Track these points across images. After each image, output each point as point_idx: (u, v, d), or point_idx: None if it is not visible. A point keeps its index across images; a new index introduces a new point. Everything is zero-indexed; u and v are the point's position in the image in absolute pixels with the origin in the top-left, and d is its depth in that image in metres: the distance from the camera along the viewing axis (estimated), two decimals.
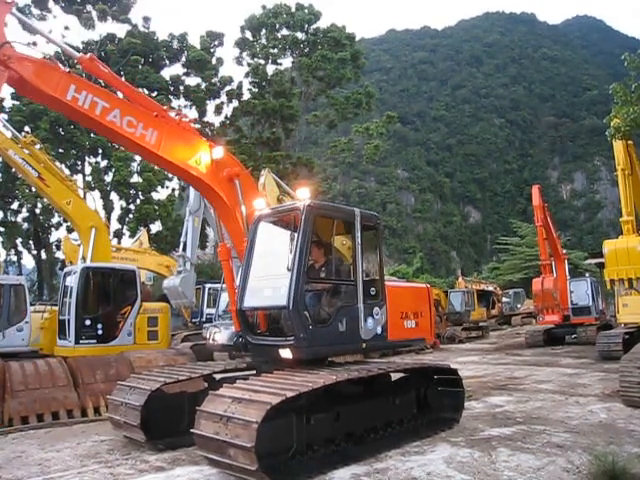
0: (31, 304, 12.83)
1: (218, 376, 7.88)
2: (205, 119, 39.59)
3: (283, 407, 5.72)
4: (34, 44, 35.67)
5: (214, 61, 39.33)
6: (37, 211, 34.40)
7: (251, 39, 42.47)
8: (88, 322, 11.84)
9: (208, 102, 39.09)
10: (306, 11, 41.71)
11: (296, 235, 6.95)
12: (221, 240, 8.80)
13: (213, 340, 8.57)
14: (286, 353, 6.93)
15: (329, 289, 7.49)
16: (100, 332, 11.94)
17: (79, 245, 15.57)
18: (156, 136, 7.75)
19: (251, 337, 7.42)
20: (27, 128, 29.45)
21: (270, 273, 7.47)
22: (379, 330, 7.59)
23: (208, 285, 22.68)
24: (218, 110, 40.14)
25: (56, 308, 12.77)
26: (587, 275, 29.47)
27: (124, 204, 36.18)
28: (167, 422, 7.67)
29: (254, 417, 5.39)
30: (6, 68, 6.79)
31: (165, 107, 8.51)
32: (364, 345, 7.45)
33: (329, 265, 7.55)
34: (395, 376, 8.17)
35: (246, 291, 7.40)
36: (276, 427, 5.89)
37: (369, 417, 7.28)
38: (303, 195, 7.38)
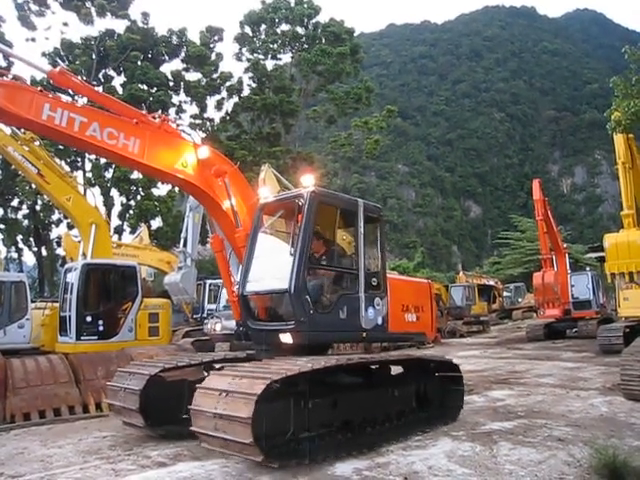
0: (32, 301, 12.85)
1: (218, 365, 7.89)
2: (206, 115, 39.60)
3: (282, 389, 5.81)
4: (33, 40, 35.82)
5: (214, 56, 39.23)
6: (37, 208, 34.39)
7: (250, 34, 42.37)
8: (89, 318, 11.85)
9: (208, 98, 39.02)
10: (305, 5, 41.58)
11: (300, 221, 7.05)
12: (213, 232, 8.79)
13: (214, 330, 8.71)
14: (286, 338, 7.01)
15: (331, 276, 7.57)
16: (101, 328, 11.96)
17: (79, 242, 15.59)
18: (139, 144, 7.55)
19: (252, 323, 7.48)
20: None
21: (273, 259, 7.55)
22: (380, 321, 7.63)
23: (209, 281, 22.71)
24: (218, 106, 40.08)
25: (57, 305, 12.79)
26: (588, 269, 29.46)
27: (124, 200, 36.18)
28: (166, 409, 7.67)
29: (255, 390, 5.45)
30: None
31: (144, 111, 8.27)
32: (364, 334, 7.49)
33: (331, 254, 7.64)
34: (396, 369, 8.12)
35: (248, 277, 7.48)
36: (274, 409, 5.93)
37: (367, 407, 7.22)
38: (307, 182, 7.41)
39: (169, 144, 7.93)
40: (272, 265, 7.50)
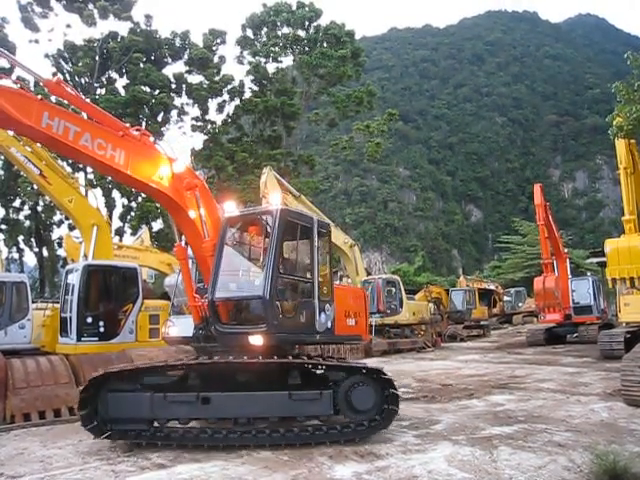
0: (33, 302, 12.84)
1: None
2: (207, 117, 39.66)
3: (144, 381, 7.63)
4: (36, 41, 35.91)
5: (216, 59, 39.29)
6: (39, 209, 34.43)
7: (252, 37, 42.42)
8: (90, 319, 11.84)
9: (210, 100, 39.08)
10: (307, 9, 41.57)
11: (270, 235, 7.88)
12: (178, 241, 9.28)
13: (167, 334, 9.02)
14: (256, 339, 7.60)
15: (292, 285, 8.31)
16: (102, 329, 11.96)
17: (81, 243, 15.60)
18: (124, 156, 7.99)
19: (220, 326, 7.91)
20: None
21: (241, 268, 8.52)
22: (329, 324, 8.37)
23: None
24: (220, 108, 40.15)
25: (58, 306, 12.78)
26: (589, 274, 29.49)
27: (126, 202, 36.23)
28: None
29: (94, 374, 7.52)
30: None
31: (127, 124, 8.70)
32: (318, 337, 8.25)
33: (292, 264, 8.37)
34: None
35: (217, 284, 7.93)
36: (131, 397, 7.49)
37: (252, 409, 7.50)
38: (275, 200, 8.62)
39: (148, 156, 8.35)
40: (241, 274, 8.47)
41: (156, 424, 7.59)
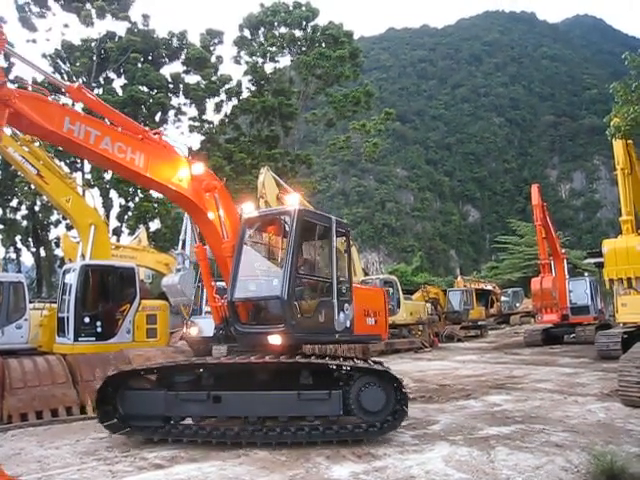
0: (30, 301, 12.82)
1: None
2: (204, 117, 39.59)
3: (155, 379, 8.02)
4: (34, 41, 35.82)
5: (214, 59, 39.26)
6: (36, 208, 34.33)
7: (249, 37, 42.40)
8: (87, 319, 11.85)
9: (207, 100, 39.02)
10: (304, 8, 41.58)
11: (288, 235, 8.00)
12: (197, 242, 9.44)
13: (188, 334, 9.23)
14: (275, 339, 7.72)
15: (310, 285, 8.44)
16: (99, 329, 11.96)
17: (78, 242, 15.57)
18: (143, 159, 8.11)
19: (239, 326, 8.08)
20: None
21: (260, 269, 8.68)
22: (348, 324, 8.41)
23: None
24: (217, 108, 40.08)
25: (55, 305, 12.78)
26: (586, 275, 29.52)
27: (123, 202, 36.11)
28: None
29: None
30: (6, 107, 6.73)
31: (147, 128, 8.86)
32: (337, 336, 8.31)
33: (310, 264, 8.45)
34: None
35: (236, 285, 8.05)
36: (146, 394, 7.83)
37: (262, 407, 7.53)
38: (293, 201, 8.72)
39: (167, 159, 8.47)
40: (260, 274, 8.61)
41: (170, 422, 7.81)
